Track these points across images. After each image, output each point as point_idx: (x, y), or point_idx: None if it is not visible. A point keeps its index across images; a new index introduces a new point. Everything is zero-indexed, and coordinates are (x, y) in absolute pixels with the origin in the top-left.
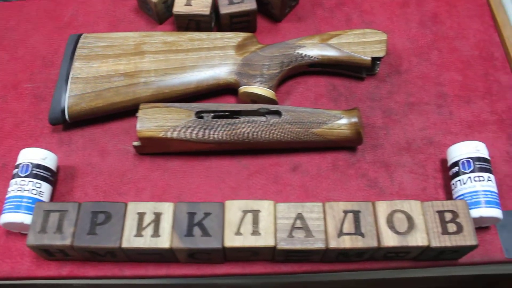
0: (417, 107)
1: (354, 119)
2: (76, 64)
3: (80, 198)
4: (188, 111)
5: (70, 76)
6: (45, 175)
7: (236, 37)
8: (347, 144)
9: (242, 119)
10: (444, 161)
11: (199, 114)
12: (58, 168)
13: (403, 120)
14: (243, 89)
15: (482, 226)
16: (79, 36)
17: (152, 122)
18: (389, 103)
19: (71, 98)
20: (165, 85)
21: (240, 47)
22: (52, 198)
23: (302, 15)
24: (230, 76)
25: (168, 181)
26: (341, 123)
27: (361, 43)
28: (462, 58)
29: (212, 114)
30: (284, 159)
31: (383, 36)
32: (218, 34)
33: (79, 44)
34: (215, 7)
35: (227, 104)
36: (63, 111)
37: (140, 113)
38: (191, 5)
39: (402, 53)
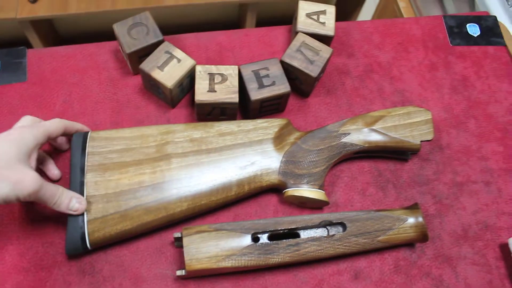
0: (466, 187)
1: (420, 220)
2: (89, 177)
3: None
4: (242, 234)
5: (85, 193)
6: None
7: (271, 126)
8: (409, 243)
9: (305, 237)
10: (503, 246)
11: (254, 236)
12: None
13: (455, 204)
14: (291, 192)
15: None
16: (85, 136)
17: (203, 252)
18: (438, 185)
19: (91, 223)
20: (201, 195)
21: (277, 138)
22: None
23: (330, 86)
24: (274, 176)
25: None
26: (407, 226)
27: (407, 125)
28: (499, 125)
29: (268, 234)
30: (343, 265)
31: (428, 115)
32: (250, 124)
33: (88, 149)
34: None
35: (284, 219)
36: (83, 239)
37: (186, 242)
38: (215, 91)
39: (440, 125)
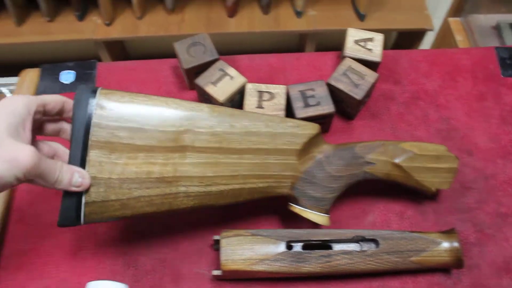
0: (510, 219)
1: (455, 244)
2: (93, 155)
3: None
4: (277, 241)
5: (86, 171)
6: None
7: (301, 135)
8: (444, 268)
9: (337, 250)
10: None
11: (288, 244)
12: None
13: (497, 235)
14: (297, 210)
15: None
16: (92, 95)
17: (238, 254)
18: (479, 214)
19: (89, 205)
20: (209, 197)
21: (303, 150)
22: None
23: (375, 111)
24: (286, 191)
25: None
26: (441, 249)
27: (431, 170)
28: None
29: (302, 244)
30: (376, 284)
31: (455, 164)
32: (279, 126)
33: (95, 119)
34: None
35: (319, 231)
36: (78, 217)
37: (223, 243)
38: (262, 107)
39: (485, 154)
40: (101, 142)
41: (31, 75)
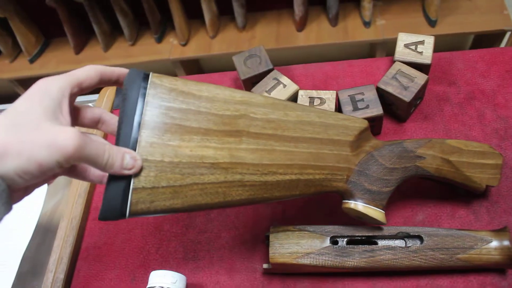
0: None
1: (506, 243)
2: (144, 135)
3: None
4: (322, 236)
5: (137, 153)
6: None
7: (352, 127)
8: (496, 267)
9: (381, 245)
10: None
11: (333, 239)
12: (186, 286)
13: None
14: (353, 206)
15: None
16: (145, 76)
17: (285, 248)
18: None
19: (137, 192)
20: (265, 188)
21: (355, 143)
22: None
23: (428, 113)
24: (342, 184)
25: None
26: (490, 247)
27: (479, 165)
28: None
29: (347, 239)
30: (424, 281)
31: (499, 160)
32: (330, 118)
33: (148, 98)
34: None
35: (363, 227)
36: (123, 208)
37: (271, 238)
38: None
39: None
40: (154, 122)
41: (108, 93)
